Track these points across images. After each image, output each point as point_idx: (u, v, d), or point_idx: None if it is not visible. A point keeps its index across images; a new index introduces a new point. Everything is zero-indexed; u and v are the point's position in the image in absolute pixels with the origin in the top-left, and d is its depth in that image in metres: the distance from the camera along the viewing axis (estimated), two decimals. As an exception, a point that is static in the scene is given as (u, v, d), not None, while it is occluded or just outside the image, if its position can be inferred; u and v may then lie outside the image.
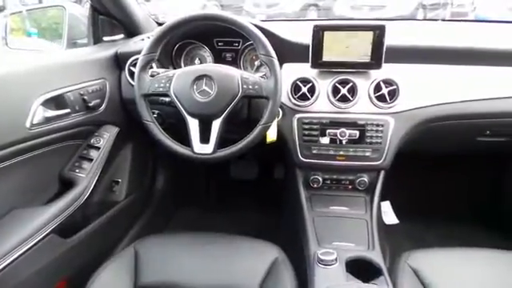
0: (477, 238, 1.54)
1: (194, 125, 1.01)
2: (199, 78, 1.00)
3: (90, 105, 1.11)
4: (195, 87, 1.00)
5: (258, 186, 1.91)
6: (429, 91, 1.16)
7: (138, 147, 1.46)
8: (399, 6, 5.47)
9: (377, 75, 1.14)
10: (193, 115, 1.01)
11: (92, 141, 1.18)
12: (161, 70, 1.09)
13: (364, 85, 1.15)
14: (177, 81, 1.02)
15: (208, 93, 1.00)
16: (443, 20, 1.66)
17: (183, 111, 1.01)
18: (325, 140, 1.17)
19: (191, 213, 1.80)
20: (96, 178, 1.15)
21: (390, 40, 1.10)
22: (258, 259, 0.98)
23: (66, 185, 1.11)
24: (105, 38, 1.38)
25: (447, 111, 1.16)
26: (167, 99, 1.07)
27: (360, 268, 0.95)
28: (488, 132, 1.24)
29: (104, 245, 1.30)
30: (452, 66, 1.17)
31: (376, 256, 1.00)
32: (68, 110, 1.05)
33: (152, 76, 1.06)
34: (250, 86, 1.00)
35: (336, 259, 0.94)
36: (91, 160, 1.15)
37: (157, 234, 1.13)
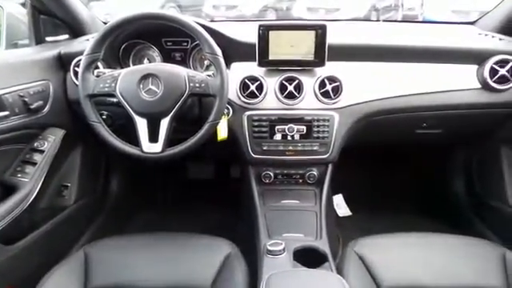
0: (422, 224, 1.65)
1: (142, 124, 1.01)
2: (145, 77, 1.00)
3: (32, 107, 1.08)
4: (141, 86, 1.00)
5: (216, 185, 1.92)
6: (370, 87, 1.23)
7: (88, 150, 1.43)
8: (353, 9, 5.69)
9: (321, 72, 1.20)
10: (140, 114, 1.01)
11: (35, 144, 1.14)
12: (107, 71, 1.07)
13: (309, 82, 1.20)
14: (122, 80, 1.01)
15: (155, 92, 1.00)
16: (384, 21, 1.76)
17: (130, 111, 1.01)
18: (274, 136, 1.20)
19: (148, 215, 1.78)
20: (41, 183, 1.11)
21: (332, 39, 1.16)
22: (211, 255, 0.99)
23: (8, 190, 1.06)
24: (47, 39, 1.33)
25: (387, 105, 1.23)
26: (115, 100, 1.06)
27: (307, 256, 0.99)
28: (425, 124, 1.33)
29: (53, 250, 1.25)
30: (391, 63, 1.25)
31: (323, 244, 1.05)
32: (6, 113, 1.01)
33: (98, 76, 1.04)
34: (197, 85, 1.01)
35: (284, 249, 0.97)
36: (35, 164, 1.11)
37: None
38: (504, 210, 1.36)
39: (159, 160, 1.02)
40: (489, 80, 1.19)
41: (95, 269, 0.95)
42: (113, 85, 1.01)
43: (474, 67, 1.24)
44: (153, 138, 1.01)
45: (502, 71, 1.19)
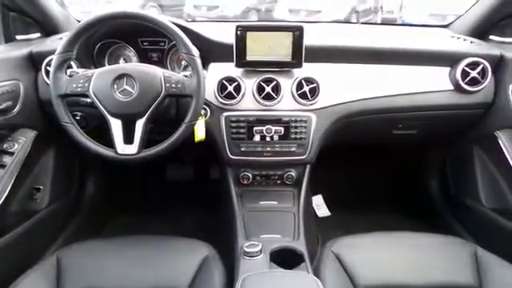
0: (400, 224, 1.68)
1: (116, 125, 0.99)
2: (120, 77, 0.99)
3: (0, 107, 1.04)
4: (116, 87, 0.98)
5: (195, 187, 1.90)
6: (347, 88, 1.24)
7: (61, 152, 1.39)
8: (334, 11, 5.77)
9: (299, 74, 1.20)
10: (114, 115, 0.99)
11: (5, 146, 1.10)
12: (81, 70, 1.05)
13: (287, 83, 1.20)
14: (96, 80, 0.99)
15: (129, 92, 0.98)
16: (362, 23, 1.79)
17: (104, 111, 0.99)
18: (252, 137, 1.20)
19: (126, 218, 1.74)
20: (10, 185, 1.08)
21: (310, 40, 1.16)
22: (188, 258, 0.98)
23: None
24: (18, 37, 1.29)
25: (363, 107, 1.24)
26: (88, 100, 1.04)
27: (284, 257, 0.99)
28: (400, 125, 1.36)
29: (25, 256, 1.21)
30: (367, 65, 1.26)
31: (299, 245, 1.05)
32: None
33: (70, 76, 1.01)
34: (173, 85, 1.00)
35: (261, 250, 0.97)
36: (4, 166, 1.07)
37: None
38: (477, 209, 1.40)
39: (134, 162, 1.01)
40: (461, 82, 1.23)
41: (68, 274, 0.93)
42: (86, 85, 0.99)
43: (447, 69, 1.27)
44: (128, 139, 1.00)
45: (473, 73, 1.22)
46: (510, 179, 1.22)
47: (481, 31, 1.37)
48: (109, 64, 1.28)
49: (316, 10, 5.68)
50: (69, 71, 1.03)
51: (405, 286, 0.93)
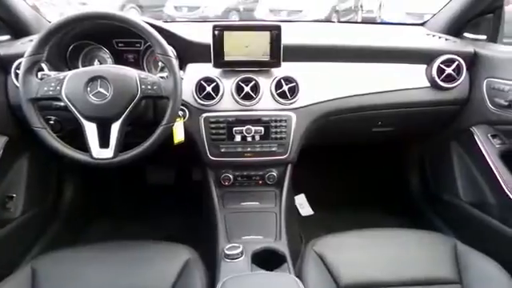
0: (382, 221, 1.70)
1: (91, 129, 0.97)
2: (93, 79, 0.96)
3: None
4: (89, 89, 0.96)
5: (177, 190, 1.87)
6: (326, 87, 1.24)
7: (36, 158, 1.34)
8: (315, 11, 5.83)
9: (278, 73, 1.20)
10: (89, 119, 0.96)
11: None
12: (53, 73, 1.02)
13: (266, 83, 1.19)
14: (68, 83, 0.96)
15: (104, 95, 0.96)
16: (339, 22, 1.80)
17: (78, 115, 0.96)
18: (232, 138, 1.19)
19: (106, 224, 1.70)
20: None
21: (288, 39, 1.16)
22: (170, 263, 0.96)
23: None
24: (-15, 39, 1.25)
25: (343, 105, 1.25)
26: (61, 104, 1.00)
27: (266, 258, 0.99)
28: (380, 123, 1.37)
29: None
30: (346, 63, 1.27)
31: (281, 245, 1.04)
32: None
33: (41, 79, 0.98)
34: (149, 87, 0.98)
35: (242, 252, 0.96)
36: None
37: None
38: (456, 204, 1.42)
39: (111, 166, 0.98)
40: (437, 79, 1.25)
41: (43, 283, 0.90)
42: (58, 88, 0.96)
43: (423, 67, 1.29)
44: (104, 143, 0.97)
45: (449, 70, 1.24)
46: (486, 173, 1.24)
47: (455, 29, 1.40)
48: (83, 66, 1.25)
49: (297, 9, 5.74)
50: (40, 74, 1.00)
51: (386, 283, 0.94)
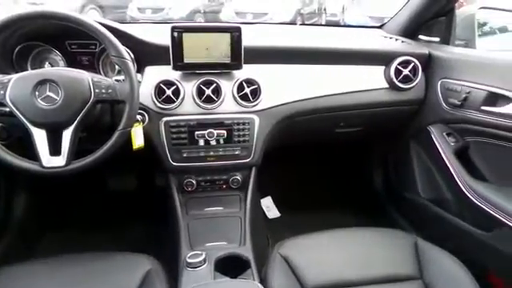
0: (348, 220, 1.72)
1: (40, 136, 0.91)
2: (41, 82, 0.90)
3: None
4: (37, 93, 0.90)
5: (139, 197, 1.81)
6: (288, 89, 1.24)
7: None
8: (280, 13, 5.89)
9: (239, 75, 1.18)
10: (37, 125, 0.91)
11: None
12: None
13: (227, 85, 1.17)
14: (13, 87, 0.90)
15: (54, 99, 0.90)
16: (301, 24, 1.81)
17: (25, 121, 0.90)
18: (194, 142, 1.16)
19: (63, 235, 1.61)
20: None
21: (249, 41, 1.15)
22: (129, 274, 0.93)
23: None
24: None
25: (305, 106, 1.25)
26: (7, 109, 0.94)
27: (231, 265, 0.96)
28: (342, 124, 1.39)
29: None
30: (307, 65, 1.27)
31: (246, 251, 1.03)
32: None
33: None
34: (103, 90, 0.94)
35: (204, 260, 0.93)
36: None
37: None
38: (416, 201, 1.47)
39: (63, 175, 0.92)
40: (394, 80, 1.28)
41: None
42: (1, 92, 0.89)
43: (382, 68, 1.32)
44: (55, 150, 0.92)
45: (405, 71, 1.28)
46: (442, 171, 1.29)
47: (410, 31, 1.45)
48: (32, 69, 1.17)
49: (263, 12, 5.77)
50: None
51: (350, 283, 0.94)
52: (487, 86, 1.10)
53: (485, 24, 1.66)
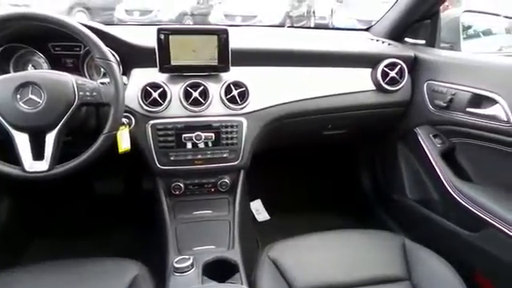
0: (337, 223, 1.72)
1: (22, 140, 0.89)
2: (23, 85, 0.88)
3: None
4: (19, 96, 0.88)
5: (127, 200, 1.78)
6: (276, 91, 1.24)
7: None
8: (269, 16, 5.91)
9: (227, 78, 1.17)
10: (19, 128, 0.89)
11: None
12: None
13: (215, 88, 1.16)
14: None
15: (36, 102, 0.88)
16: (289, 27, 1.82)
17: (6, 124, 0.88)
18: (181, 145, 1.15)
19: (49, 242, 1.57)
20: None
21: (236, 43, 1.14)
22: (116, 280, 0.91)
23: None
24: None
25: (293, 109, 1.25)
26: None
27: (219, 269, 0.95)
28: (330, 126, 1.39)
29: None
30: (295, 67, 1.27)
31: (234, 254, 1.02)
32: None
33: None
34: (88, 93, 0.92)
35: (192, 265, 0.92)
36: None
37: None
38: (404, 202, 1.48)
39: (46, 179, 0.90)
40: (381, 82, 1.29)
41: None
42: None
43: (369, 70, 1.33)
44: (39, 154, 0.90)
45: (392, 73, 1.29)
46: (429, 172, 1.30)
47: (397, 34, 1.46)
48: (15, 71, 1.15)
49: (252, 14, 5.78)
50: None
51: (339, 285, 0.94)
52: (472, 87, 1.12)
53: (469, 27, 1.69)
